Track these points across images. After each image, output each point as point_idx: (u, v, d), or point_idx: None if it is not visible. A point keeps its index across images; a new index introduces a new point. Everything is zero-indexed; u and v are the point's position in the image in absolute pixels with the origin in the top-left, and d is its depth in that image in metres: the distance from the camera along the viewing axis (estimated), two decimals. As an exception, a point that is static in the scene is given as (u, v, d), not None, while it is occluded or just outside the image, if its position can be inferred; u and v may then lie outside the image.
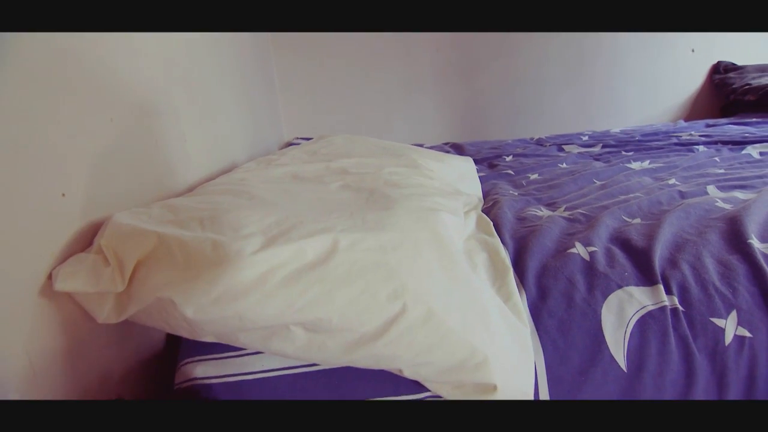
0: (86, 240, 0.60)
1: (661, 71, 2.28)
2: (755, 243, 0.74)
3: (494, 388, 0.55)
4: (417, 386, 0.59)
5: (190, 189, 0.91)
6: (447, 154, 1.44)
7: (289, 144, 1.87)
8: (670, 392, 0.62)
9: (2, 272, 0.47)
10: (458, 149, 1.82)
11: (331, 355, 0.55)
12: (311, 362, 0.58)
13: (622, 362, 0.63)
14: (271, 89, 2.06)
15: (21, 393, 0.47)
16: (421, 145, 1.74)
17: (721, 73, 2.26)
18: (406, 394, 0.59)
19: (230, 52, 1.45)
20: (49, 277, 0.52)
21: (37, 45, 0.55)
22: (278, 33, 2.06)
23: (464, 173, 1.18)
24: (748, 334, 0.64)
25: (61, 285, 0.51)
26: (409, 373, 0.56)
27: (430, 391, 0.59)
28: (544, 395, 0.61)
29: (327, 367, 0.59)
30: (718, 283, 0.68)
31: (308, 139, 1.78)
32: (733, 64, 2.26)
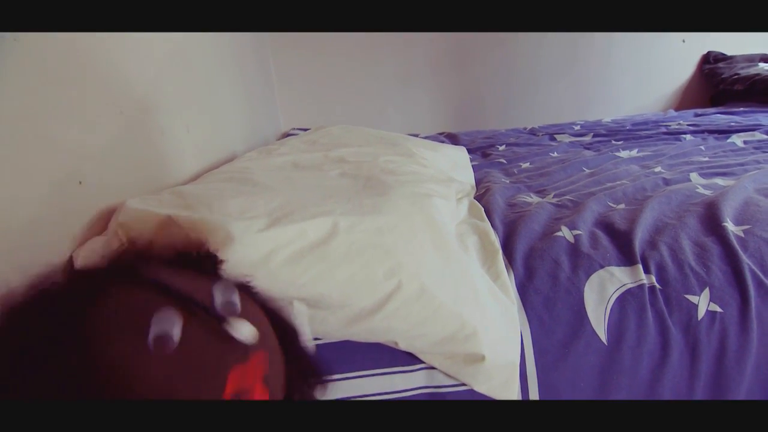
0: (102, 224, 0.63)
1: (653, 61, 2.31)
2: (729, 226, 0.78)
3: (482, 358, 0.59)
4: (412, 358, 0.63)
5: (194, 177, 0.95)
6: (441, 143, 1.48)
7: (287, 134, 1.90)
8: (646, 363, 0.67)
9: (30, 254, 0.51)
10: (453, 139, 1.85)
11: (332, 328, 0.59)
12: (314, 336, 0.63)
13: (602, 335, 0.67)
14: (269, 82, 2.09)
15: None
16: (416, 135, 1.78)
17: (711, 63, 2.30)
18: (402, 365, 0.64)
19: (229, 46, 1.48)
20: (70, 258, 0.56)
21: (55, 46, 0.59)
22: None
23: (457, 162, 1.22)
24: (719, 309, 0.68)
25: (82, 264, 0.55)
26: (404, 346, 0.61)
27: (424, 363, 0.63)
28: (531, 366, 0.66)
29: (329, 341, 0.63)
30: (693, 263, 0.73)
31: (305, 129, 1.81)
32: (723, 54, 2.30)
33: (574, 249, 0.77)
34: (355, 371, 0.64)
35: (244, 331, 0.36)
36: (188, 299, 0.38)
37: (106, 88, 0.71)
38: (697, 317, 0.68)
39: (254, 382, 0.38)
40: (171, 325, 0.35)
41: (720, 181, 1.01)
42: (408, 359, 0.63)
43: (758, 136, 1.41)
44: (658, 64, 2.32)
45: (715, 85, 2.21)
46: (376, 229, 0.59)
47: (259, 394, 0.38)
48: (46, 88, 0.57)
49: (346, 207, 0.63)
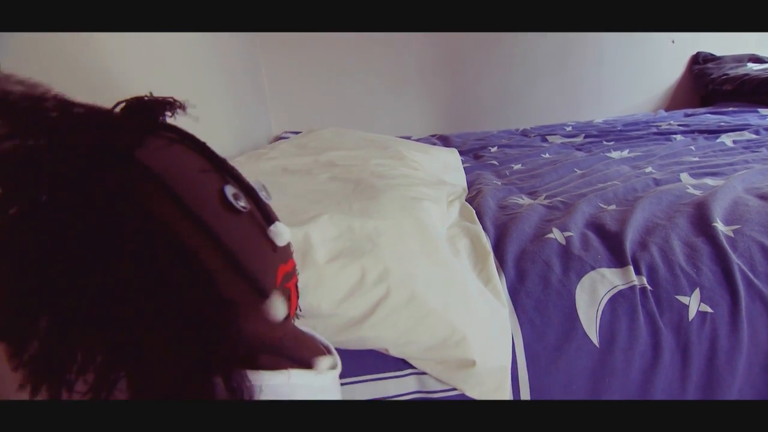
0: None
1: (644, 62, 2.33)
2: (719, 226, 0.78)
3: (473, 363, 0.59)
4: (402, 363, 0.63)
5: (183, 183, 0.94)
6: (432, 146, 1.48)
7: (279, 138, 1.90)
8: (638, 364, 0.67)
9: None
10: (445, 141, 1.85)
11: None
12: (303, 343, 0.62)
13: (594, 338, 0.67)
14: (260, 86, 2.08)
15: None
16: (408, 138, 1.77)
17: (700, 63, 2.31)
18: (394, 371, 0.63)
19: (218, 49, 1.47)
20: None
21: (41, 48, 0.58)
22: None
23: (449, 164, 1.21)
24: (709, 310, 0.68)
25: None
26: (395, 352, 0.60)
27: (415, 368, 0.63)
28: (523, 370, 0.65)
29: (318, 348, 0.62)
30: (683, 264, 0.73)
31: (297, 132, 1.80)
32: (712, 54, 2.31)
33: (565, 251, 0.77)
34: (348, 377, 0.63)
35: (284, 237, 0.38)
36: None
37: (92, 90, 0.69)
38: (687, 318, 0.68)
39: (292, 286, 0.40)
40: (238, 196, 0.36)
41: (710, 181, 1.01)
42: (398, 364, 0.63)
43: (747, 135, 1.42)
44: (649, 64, 2.33)
45: (704, 85, 2.22)
46: (364, 235, 0.59)
47: (294, 295, 0.40)
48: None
49: (336, 212, 0.62)
